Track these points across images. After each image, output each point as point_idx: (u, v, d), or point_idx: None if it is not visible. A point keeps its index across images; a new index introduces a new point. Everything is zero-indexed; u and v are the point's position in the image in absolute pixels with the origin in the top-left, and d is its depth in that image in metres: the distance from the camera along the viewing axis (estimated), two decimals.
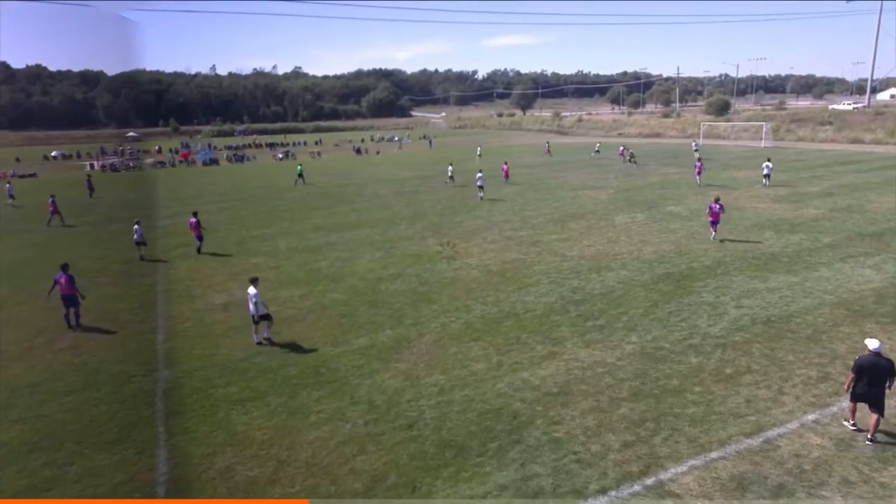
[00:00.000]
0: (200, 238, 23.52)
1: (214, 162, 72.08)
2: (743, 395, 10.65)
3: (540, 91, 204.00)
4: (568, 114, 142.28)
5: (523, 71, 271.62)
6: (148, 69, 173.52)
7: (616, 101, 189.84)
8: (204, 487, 8.78)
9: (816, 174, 38.80)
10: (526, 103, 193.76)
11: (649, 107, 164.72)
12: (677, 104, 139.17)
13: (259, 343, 13.89)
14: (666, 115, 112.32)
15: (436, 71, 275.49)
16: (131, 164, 72.63)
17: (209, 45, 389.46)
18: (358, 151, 79.03)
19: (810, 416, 9.95)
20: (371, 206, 33.95)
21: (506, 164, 41.51)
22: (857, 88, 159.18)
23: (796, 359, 12.05)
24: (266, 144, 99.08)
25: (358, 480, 8.75)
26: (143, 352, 13.99)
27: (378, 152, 78.66)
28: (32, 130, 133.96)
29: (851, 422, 9.57)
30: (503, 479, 8.60)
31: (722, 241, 21.62)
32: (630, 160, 49.72)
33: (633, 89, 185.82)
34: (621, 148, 54.74)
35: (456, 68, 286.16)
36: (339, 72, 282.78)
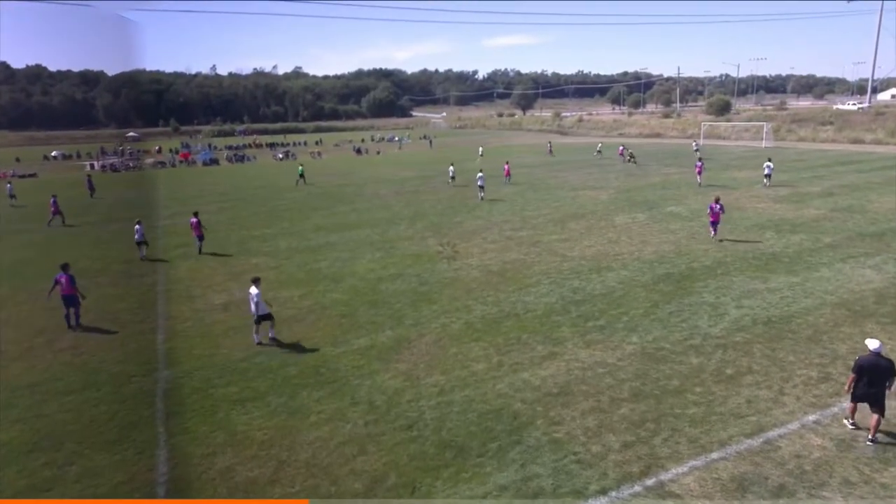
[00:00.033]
0: (201, 238, 23.52)
1: (215, 162, 72.09)
2: (744, 396, 10.64)
3: (540, 91, 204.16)
4: (568, 114, 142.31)
5: (524, 71, 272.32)
6: (148, 69, 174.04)
7: (616, 101, 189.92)
8: (204, 488, 8.77)
9: (817, 174, 38.78)
10: (526, 103, 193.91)
11: (650, 107, 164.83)
12: (678, 104, 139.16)
13: (259, 343, 13.88)
14: (666, 116, 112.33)
15: (436, 71, 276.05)
16: (131, 165, 72.64)
17: (209, 45, 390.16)
18: (358, 151, 79.04)
19: (811, 417, 9.93)
20: (371, 206, 33.95)
21: (507, 163, 41.61)
22: (858, 88, 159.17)
23: (797, 359, 12.04)
24: (266, 144, 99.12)
25: (358, 481, 8.74)
26: (143, 352, 13.98)
27: (378, 152, 78.66)
28: (32, 130, 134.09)
29: (851, 421, 9.57)
30: (503, 480, 8.59)
31: (721, 240, 21.63)
32: (630, 160, 49.76)
33: (634, 89, 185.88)
34: (620, 148, 54.89)
35: (456, 68, 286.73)
36: (339, 72, 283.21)
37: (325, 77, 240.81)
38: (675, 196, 32.38)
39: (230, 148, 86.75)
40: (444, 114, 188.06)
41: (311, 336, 14.36)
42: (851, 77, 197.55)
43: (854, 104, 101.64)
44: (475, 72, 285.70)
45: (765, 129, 65.66)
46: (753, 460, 8.81)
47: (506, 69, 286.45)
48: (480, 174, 34.70)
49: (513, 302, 16.11)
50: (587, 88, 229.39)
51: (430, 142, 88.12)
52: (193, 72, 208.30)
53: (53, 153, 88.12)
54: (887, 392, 9.09)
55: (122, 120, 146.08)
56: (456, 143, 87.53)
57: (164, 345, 14.39)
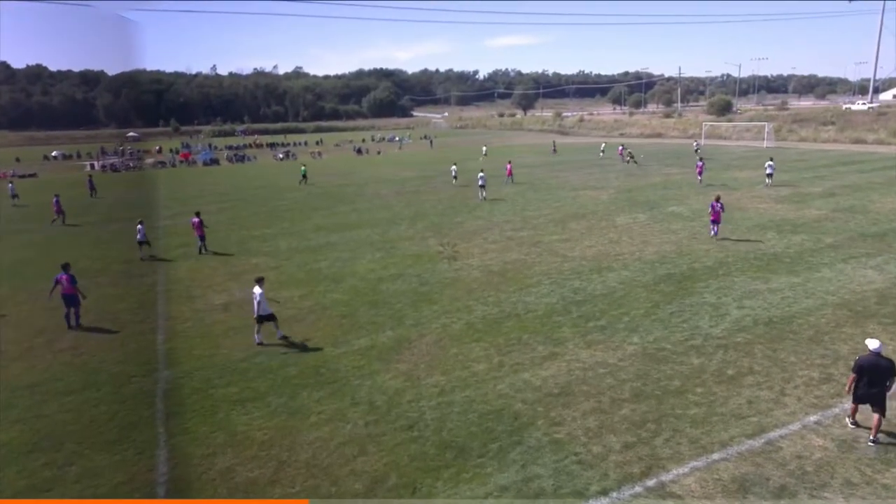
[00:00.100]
0: (203, 238, 23.51)
1: (215, 162, 72.13)
2: (745, 397, 10.62)
3: (541, 91, 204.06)
4: (569, 114, 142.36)
5: (524, 71, 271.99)
6: (148, 69, 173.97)
7: (617, 101, 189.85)
8: (204, 488, 8.76)
9: (819, 174, 38.73)
10: (527, 103, 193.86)
11: (651, 107, 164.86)
12: (679, 104, 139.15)
13: (260, 343, 13.86)
14: (667, 116, 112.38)
15: (437, 71, 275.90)
16: (131, 165, 72.67)
17: (210, 45, 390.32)
18: (359, 151, 79.04)
19: (812, 418, 9.91)
20: (372, 206, 33.94)
21: (510, 163, 41.64)
22: (860, 88, 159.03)
23: (798, 360, 12.01)
24: (267, 144, 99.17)
25: (358, 481, 8.72)
26: (143, 352, 13.97)
27: (379, 152, 78.67)
28: (32, 130, 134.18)
29: (852, 421, 9.55)
30: (504, 481, 8.57)
31: (721, 239, 21.62)
32: (630, 160, 49.76)
33: (635, 89, 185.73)
34: (620, 148, 55.03)
35: (457, 68, 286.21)
36: (339, 72, 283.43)
37: (326, 77, 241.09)
38: (676, 196, 32.35)
39: (230, 148, 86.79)
40: (446, 113, 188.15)
41: (311, 336, 14.35)
42: (853, 77, 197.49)
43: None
44: (476, 72, 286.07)
45: (766, 130, 65.62)
46: (755, 461, 8.79)
47: (507, 69, 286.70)
48: (481, 174, 34.69)
49: (513, 302, 16.09)
50: (588, 88, 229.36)
51: (431, 142, 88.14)
52: (194, 72, 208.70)
53: (53, 153, 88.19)
54: (888, 392, 9.07)
55: (123, 120, 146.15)
56: (457, 144, 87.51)
57: (164, 345, 14.38)
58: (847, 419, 9.66)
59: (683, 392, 10.86)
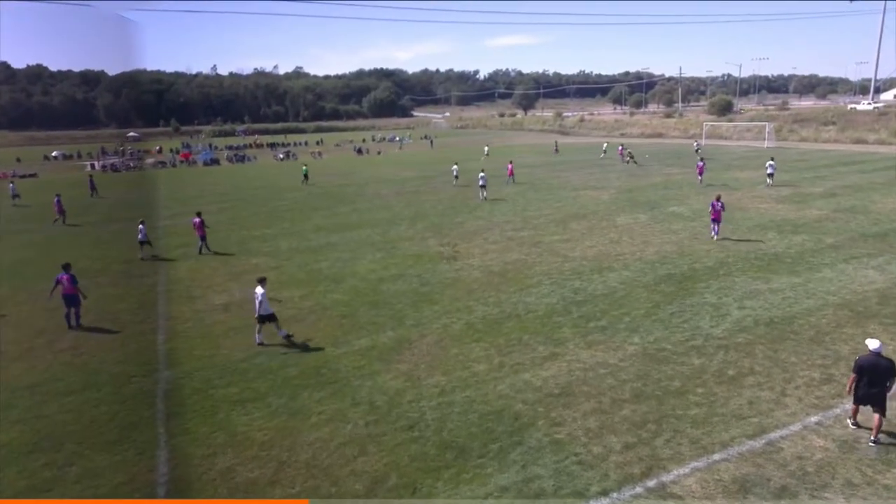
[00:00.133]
0: (204, 238, 23.51)
1: (215, 162, 72.14)
2: (745, 397, 10.60)
3: (542, 91, 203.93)
4: (570, 114, 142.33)
5: (525, 71, 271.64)
6: (149, 69, 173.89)
7: (618, 101, 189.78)
8: (204, 488, 8.75)
9: (819, 175, 38.71)
10: (528, 103, 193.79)
11: (651, 107, 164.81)
12: (680, 104, 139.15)
13: (261, 344, 13.86)
14: (668, 116, 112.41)
15: (437, 71, 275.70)
16: (132, 165, 72.67)
17: (210, 44, 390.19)
18: (359, 151, 79.04)
19: (813, 418, 9.89)
20: (372, 206, 33.93)
21: (511, 163, 41.66)
22: (861, 88, 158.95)
23: (799, 360, 12.00)
24: (267, 144, 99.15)
25: (359, 482, 8.72)
26: (143, 352, 13.97)
27: (379, 152, 78.66)
28: (33, 130, 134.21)
29: (853, 421, 9.54)
30: (504, 481, 8.56)
31: (721, 240, 21.61)
32: (629, 160, 49.75)
33: (636, 89, 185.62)
34: (620, 147, 55.09)
35: (457, 68, 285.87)
36: (340, 72, 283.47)
37: (326, 77, 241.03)
38: (677, 196, 32.33)
39: (231, 148, 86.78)
40: (448, 114, 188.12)
41: (311, 336, 14.34)
42: (854, 77, 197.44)
43: (870, 103, 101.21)
44: (476, 72, 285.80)
45: (767, 130, 65.59)
46: (755, 461, 8.78)
47: (507, 69, 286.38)
48: (482, 174, 34.68)
49: (514, 302, 16.08)
50: (589, 88, 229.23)
51: (431, 142, 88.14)
52: (194, 72, 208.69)
53: (54, 153, 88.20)
54: (888, 393, 9.05)
55: (123, 120, 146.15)
56: (457, 144, 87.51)
57: (164, 345, 14.38)
58: (848, 420, 9.65)
59: (684, 392, 10.85)
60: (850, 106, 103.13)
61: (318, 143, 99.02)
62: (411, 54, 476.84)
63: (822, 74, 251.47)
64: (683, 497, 8.12)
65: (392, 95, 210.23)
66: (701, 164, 36.91)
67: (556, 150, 65.54)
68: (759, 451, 9.03)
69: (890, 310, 14.39)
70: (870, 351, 9.14)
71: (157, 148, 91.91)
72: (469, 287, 17.65)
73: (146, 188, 52.15)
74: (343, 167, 60.09)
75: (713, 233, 22.03)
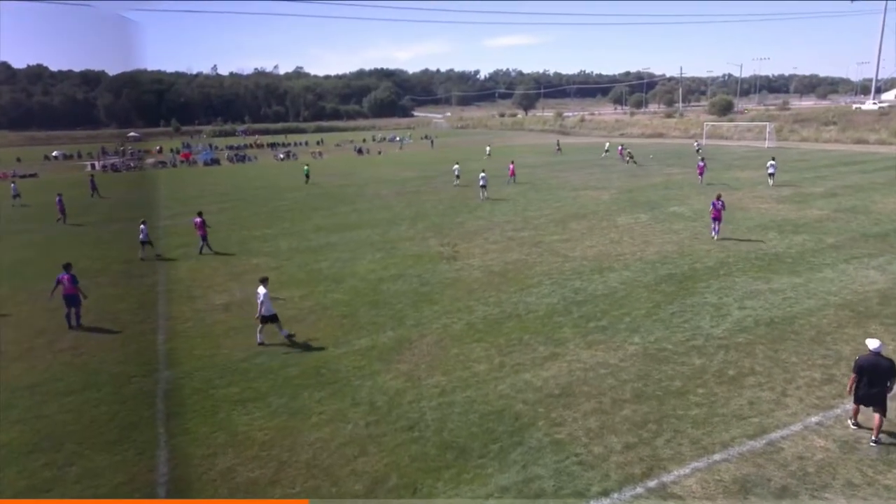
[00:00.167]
0: (205, 238, 23.50)
1: (216, 162, 72.14)
2: (746, 397, 10.59)
3: (542, 91, 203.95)
4: (570, 114, 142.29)
5: (525, 71, 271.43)
6: (149, 69, 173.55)
7: (619, 101, 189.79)
8: (205, 488, 8.75)
9: (820, 175, 38.69)
10: (528, 103, 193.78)
11: (652, 107, 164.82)
12: (680, 104, 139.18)
13: (262, 343, 13.85)
14: (669, 116, 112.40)
15: (437, 71, 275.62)
16: (132, 165, 72.69)
17: (210, 44, 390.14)
18: (359, 151, 79.05)
19: (814, 418, 9.88)
20: (372, 206, 33.92)
21: (512, 163, 41.65)
22: (862, 88, 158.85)
23: (800, 360, 11.98)
24: (267, 144, 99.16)
25: (359, 482, 8.71)
26: (143, 352, 13.96)
27: (379, 152, 78.66)
28: (33, 130, 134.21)
29: (854, 422, 9.53)
30: (505, 481, 8.55)
31: (722, 240, 21.60)
32: (630, 160, 49.76)
33: (636, 89, 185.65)
34: (620, 147, 55.14)
35: (458, 68, 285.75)
36: (340, 72, 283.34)
37: (327, 77, 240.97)
38: (677, 196, 32.32)
39: (231, 148, 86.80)
40: (448, 114, 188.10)
41: (312, 336, 14.33)
42: (855, 77, 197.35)
43: (874, 103, 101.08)
44: (477, 72, 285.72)
45: (767, 130, 65.59)
46: (756, 462, 8.77)
47: (507, 69, 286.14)
48: (483, 174, 34.67)
49: (514, 302, 16.07)
50: (589, 88, 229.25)
51: (432, 142, 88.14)
52: (194, 72, 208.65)
53: (54, 153, 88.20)
54: (888, 392, 9.04)
55: (123, 120, 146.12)
56: (458, 144, 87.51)
57: (164, 345, 14.37)
58: (849, 420, 9.64)
59: (685, 393, 10.84)
60: (854, 106, 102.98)
61: (318, 143, 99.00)
62: (411, 54, 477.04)
63: (822, 74, 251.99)
64: (684, 497, 8.11)
65: (392, 95, 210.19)
66: (701, 164, 36.91)
67: (559, 148, 65.69)
68: (759, 451, 9.02)
69: (891, 310, 14.38)
70: (870, 351, 9.13)
71: (158, 148, 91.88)
72: (469, 287, 17.64)
73: (147, 188, 52.16)
74: (343, 167, 60.09)
75: (713, 232, 22.04)
